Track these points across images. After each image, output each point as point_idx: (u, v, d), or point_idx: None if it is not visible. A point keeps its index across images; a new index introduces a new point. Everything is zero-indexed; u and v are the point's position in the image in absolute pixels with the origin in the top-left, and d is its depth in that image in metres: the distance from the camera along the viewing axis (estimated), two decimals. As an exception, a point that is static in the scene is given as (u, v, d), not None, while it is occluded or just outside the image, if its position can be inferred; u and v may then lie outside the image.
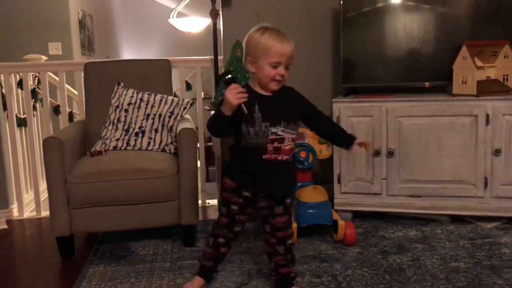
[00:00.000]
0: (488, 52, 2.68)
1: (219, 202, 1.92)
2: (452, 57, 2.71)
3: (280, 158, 1.77)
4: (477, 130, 2.60)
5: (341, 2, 2.87)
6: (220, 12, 3.17)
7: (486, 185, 2.63)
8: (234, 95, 1.64)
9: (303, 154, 2.69)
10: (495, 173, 2.62)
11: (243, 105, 1.66)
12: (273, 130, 1.74)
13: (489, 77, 2.68)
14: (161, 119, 2.78)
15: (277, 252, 1.94)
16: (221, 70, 3.12)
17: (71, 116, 3.56)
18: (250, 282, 2.10)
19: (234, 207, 1.86)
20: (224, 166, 1.91)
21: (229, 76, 1.71)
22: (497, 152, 2.59)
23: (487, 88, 2.61)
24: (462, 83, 2.65)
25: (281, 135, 1.76)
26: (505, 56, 2.65)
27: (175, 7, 6.67)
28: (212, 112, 2.95)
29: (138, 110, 2.80)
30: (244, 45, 1.80)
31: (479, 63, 2.63)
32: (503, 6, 2.76)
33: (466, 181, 2.66)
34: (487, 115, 2.58)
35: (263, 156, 1.76)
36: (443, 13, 2.82)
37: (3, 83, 3.23)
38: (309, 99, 1.88)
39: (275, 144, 1.75)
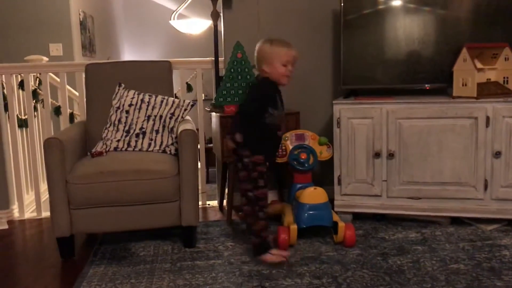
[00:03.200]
0: (488, 54, 2.68)
1: (259, 177, 2.29)
2: (452, 59, 2.71)
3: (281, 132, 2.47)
4: (477, 132, 2.60)
5: (342, 4, 2.88)
6: (221, 14, 3.18)
7: (486, 187, 2.64)
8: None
9: (303, 156, 2.69)
10: (495, 175, 2.62)
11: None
12: (282, 113, 2.40)
13: (490, 79, 2.69)
14: (162, 120, 2.78)
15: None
16: (222, 72, 3.13)
17: (72, 117, 3.57)
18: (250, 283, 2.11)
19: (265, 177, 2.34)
20: (247, 143, 2.30)
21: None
22: (497, 154, 2.60)
23: (487, 90, 2.61)
24: (462, 85, 2.66)
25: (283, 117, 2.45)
26: (505, 58, 2.65)
27: (176, 9, 6.69)
28: (213, 113, 2.97)
29: (139, 111, 2.81)
30: (256, 55, 2.33)
31: (479, 65, 2.64)
32: (503, 9, 2.77)
33: (466, 183, 2.66)
34: (487, 117, 2.58)
35: (278, 132, 2.40)
36: (443, 15, 2.83)
37: (4, 84, 3.24)
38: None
39: (282, 123, 2.44)
